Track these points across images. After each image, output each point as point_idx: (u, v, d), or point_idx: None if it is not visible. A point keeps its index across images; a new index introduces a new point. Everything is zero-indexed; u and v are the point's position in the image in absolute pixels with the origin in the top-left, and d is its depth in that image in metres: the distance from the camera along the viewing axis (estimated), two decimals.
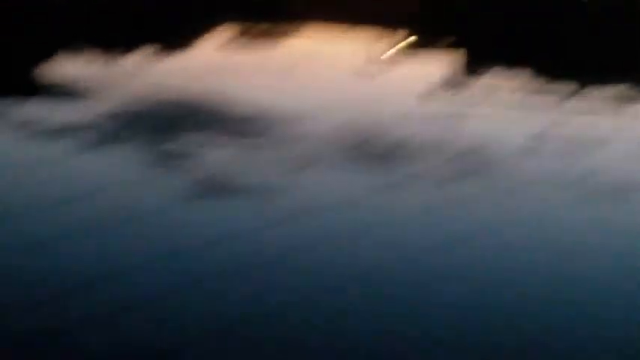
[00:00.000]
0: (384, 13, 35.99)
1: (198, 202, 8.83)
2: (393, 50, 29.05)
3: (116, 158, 10.47)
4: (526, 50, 26.23)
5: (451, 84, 19.40)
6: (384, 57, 26.61)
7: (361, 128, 12.72)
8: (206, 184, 9.35)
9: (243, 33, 31.62)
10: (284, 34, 33.21)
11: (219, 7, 33.21)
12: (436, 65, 22.90)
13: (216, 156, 10.72)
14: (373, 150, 11.38)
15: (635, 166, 11.58)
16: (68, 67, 18.03)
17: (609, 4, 30.75)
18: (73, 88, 15.29)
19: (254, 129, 12.30)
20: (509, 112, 14.83)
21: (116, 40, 23.34)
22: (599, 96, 17.22)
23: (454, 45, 31.07)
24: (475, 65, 23.56)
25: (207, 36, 26.82)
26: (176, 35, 26.74)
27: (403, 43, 32.16)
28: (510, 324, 6.31)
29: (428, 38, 33.95)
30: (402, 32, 33.38)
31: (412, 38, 33.72)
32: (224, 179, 9.58)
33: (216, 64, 20.43)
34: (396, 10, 36.44)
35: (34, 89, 15.49)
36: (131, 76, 17.36)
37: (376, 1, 37.08)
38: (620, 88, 18.97)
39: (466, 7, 31.98)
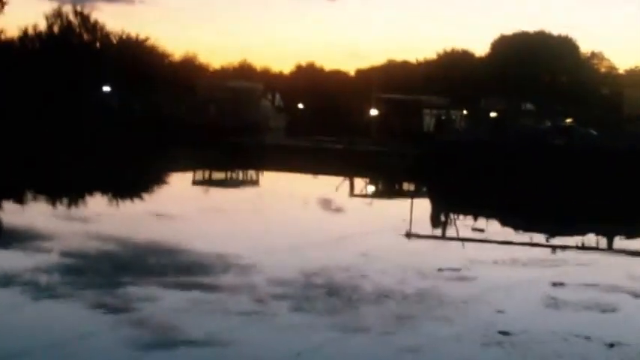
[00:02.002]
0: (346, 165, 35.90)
1: (145, 353, 8.16)
2: (359, 192, 28.83)
3: (63, 309, 9.81)
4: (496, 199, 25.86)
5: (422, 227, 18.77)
6: (349, 199, 26.25)
7: (319, 272, 12.07)
8: (154, 335, 8.67)
9: (200, 181, 31.31)
10: (243, 182, 33.01)
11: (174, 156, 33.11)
12: (399, 209, 22.49)
13: (166, 305, 10.00)
14: (333, 296, 10.64)
15: None
16: (19, 215, 17.46)
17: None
18: (22, 236, 14.59)
19: (206, 277, 11.63)
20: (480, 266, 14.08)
21: (67, 189, 22.83)
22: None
23: (423, 191, 30.95)
24: (447, 211, 23.09)
25: (161, 184, 26.53)
26: (130, 183, 26.32)
27: (368, 188, 32.05)
28: None
29: (390, 185, 33.89)
30: (365, 178, 33.33)
31: (374, 184, 33.67)
32: (173, 330, 8.87)
33: (173, 209, 19.82)
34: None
35: None
36: (82, 224, 16.75)
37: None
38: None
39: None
